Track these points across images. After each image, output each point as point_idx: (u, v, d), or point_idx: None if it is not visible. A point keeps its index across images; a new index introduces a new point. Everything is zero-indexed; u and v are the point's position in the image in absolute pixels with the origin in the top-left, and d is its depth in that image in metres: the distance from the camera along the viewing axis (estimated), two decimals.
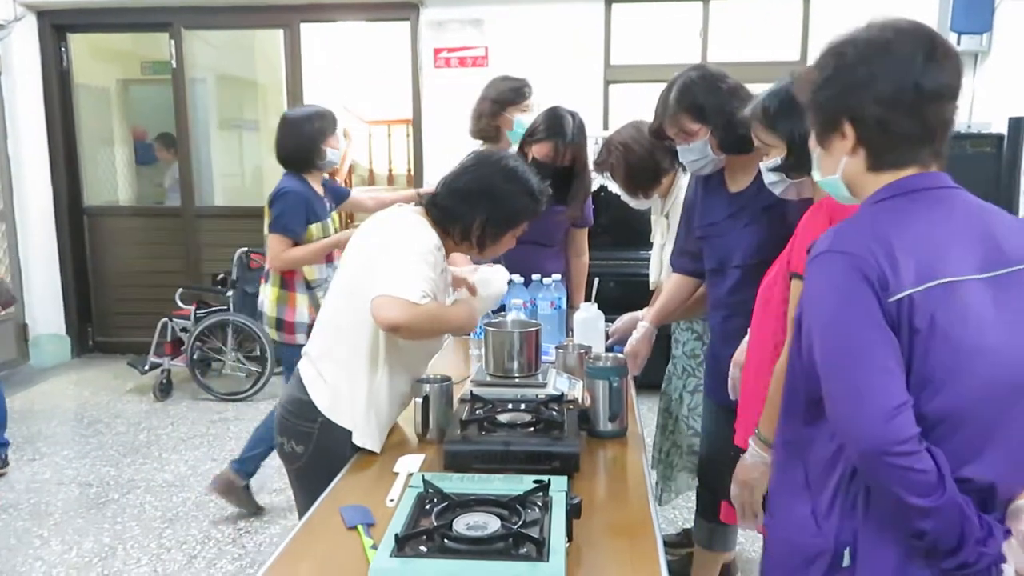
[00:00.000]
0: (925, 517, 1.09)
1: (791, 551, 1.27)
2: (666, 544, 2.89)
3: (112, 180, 6.40)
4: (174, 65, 5.62)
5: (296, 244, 3.04)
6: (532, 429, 1.75)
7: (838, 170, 1.26)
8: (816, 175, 1.33)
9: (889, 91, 1.17)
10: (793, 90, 1.32)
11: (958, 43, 4.69)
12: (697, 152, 2.09)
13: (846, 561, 1.18)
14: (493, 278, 2.17)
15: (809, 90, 1.28)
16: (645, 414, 3.75)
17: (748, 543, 2.99)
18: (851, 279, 1.12)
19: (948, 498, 1.08)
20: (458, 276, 2.15)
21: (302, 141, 3.15)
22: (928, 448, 1.10)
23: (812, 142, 1.32)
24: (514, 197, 1.91)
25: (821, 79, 1.25)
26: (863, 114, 1.19)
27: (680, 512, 3.28)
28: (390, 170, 9.14)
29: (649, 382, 2.81)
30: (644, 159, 2.49)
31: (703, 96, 2.04)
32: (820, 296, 1.18)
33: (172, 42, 5.58)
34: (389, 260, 1.77)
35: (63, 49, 5.69)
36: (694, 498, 2.62)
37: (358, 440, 1.83)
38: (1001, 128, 4.32)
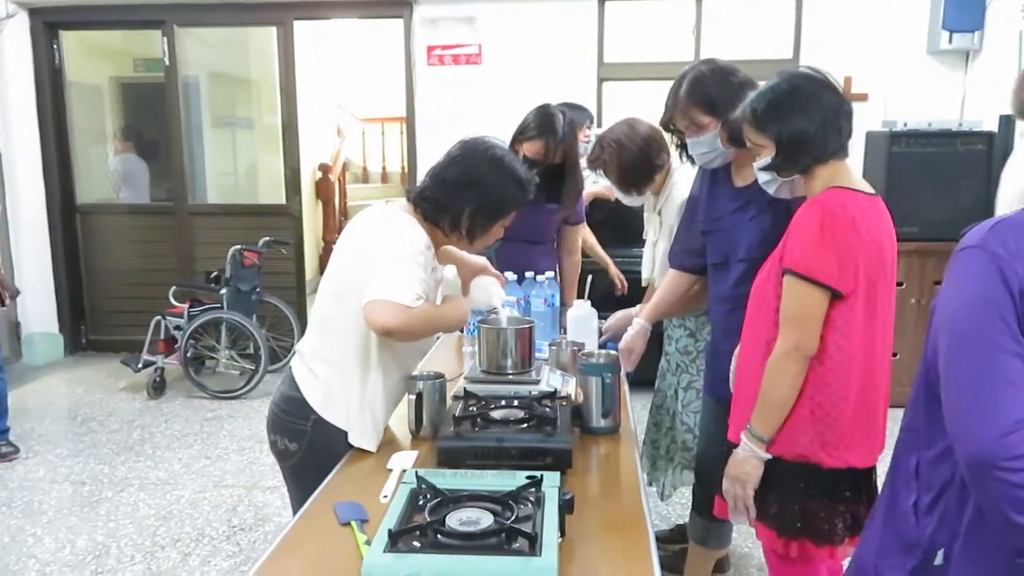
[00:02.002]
0: None
1: (889, 535, 1.25)
2: (659, 540, 2.92)
3: (105, 178, 6.38)
4: (167, 63, 5.61)
5: None
6: (525, 425, 1.76)
7: None
8: None
9: None
10: (1015, 92, 1.18)
11: (950, 41, 4.72)
12: (707, 145, 2.11)
13: (938, 560, 1.15)
14: (491, 289, 2.18)
15: None
16: (639, 411, 3.76)
17: (742, 538, 3.00)
18: (991, 281, 1.06)
19: None
20: (461, 261, 2.15)
21: None
22: None
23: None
24: (502, 186, 1.91)
25: None
26: None
27: (673, 508, 3.30)
28: (384, 168, 9.15)
29: (642, 379, 2.82)
30: (637, 156, 2.50)
31: (714, 89, 2.07)
32: (956, 292, 1.11)
33: (165, 39, 5.57)
34: (380, 263, 1.77)
35: (55, 47, 5.67)
36: (688, 494, 2.63)
37: (355, 441, 1.83)
38: (992, 126, 4.34)
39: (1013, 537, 1.05)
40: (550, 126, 2.80)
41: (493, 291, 2.18)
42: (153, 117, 5.95)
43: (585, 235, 3.64)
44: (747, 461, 1.78)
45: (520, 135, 2.84)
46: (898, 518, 1.23)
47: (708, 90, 2.08)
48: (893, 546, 1.23)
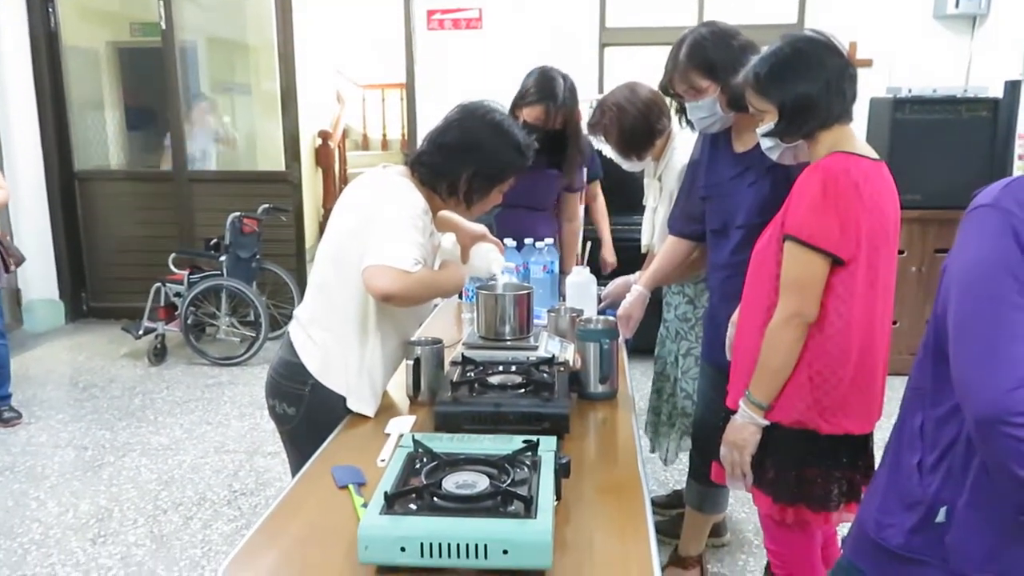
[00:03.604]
0: None
1: (891, 493, 1.25)
2: (656, 505, 2.95)
3: (103, 144, 6.34)
4: (164, 27, 5.54)
5: None
6: (523, 391, 1.76)
7: None
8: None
9: None
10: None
11: (956, 6, 4.65)
12: (706, 109, 2.08)
13: (940, 517, 1.16)
14: (490, 256, 2.17)
15: None
16: (638, 378, 3.78)
17: (738, 503, 3.03)
18: (1004, 238, 1.05)
19: None
20: (459, 226, 2.14)
21: None
22: None
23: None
24: (501, 151, 1.89)
25: None
26: None
27: (671, 474, 3.32)
28: (384, 134, 9.09)
29: (641, 346, 2.82)
30: (638, 120, 2.47)
31: (714, 53, 2.04)
32: (967, 249, 1.11)
33: (161, 3, 5.49)
34: (379, 227, 1.75)
35: (50, 10, 5.60)
36: (686, 459, 2.65)
37: (353, 406, 1.83)
38: (997, 92, 4.29)
39: (1018, 493, 1.06)
40: (550, 91, 2.76)
41: (492, 258, 2.17)
42: (150, 82, 5.90)
43: (595, 206, 3.61)
44: (745, 427, 1.79)
45: (520, 100, 2.80)
46: (901, 477, 1.23)
47: (707, 53, 2.05)
48: (894, 505, 1.23)
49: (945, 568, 1.16)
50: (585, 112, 2.90)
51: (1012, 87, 3.99)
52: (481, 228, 2.22)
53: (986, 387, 1.05)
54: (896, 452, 1.27)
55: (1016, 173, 3.67)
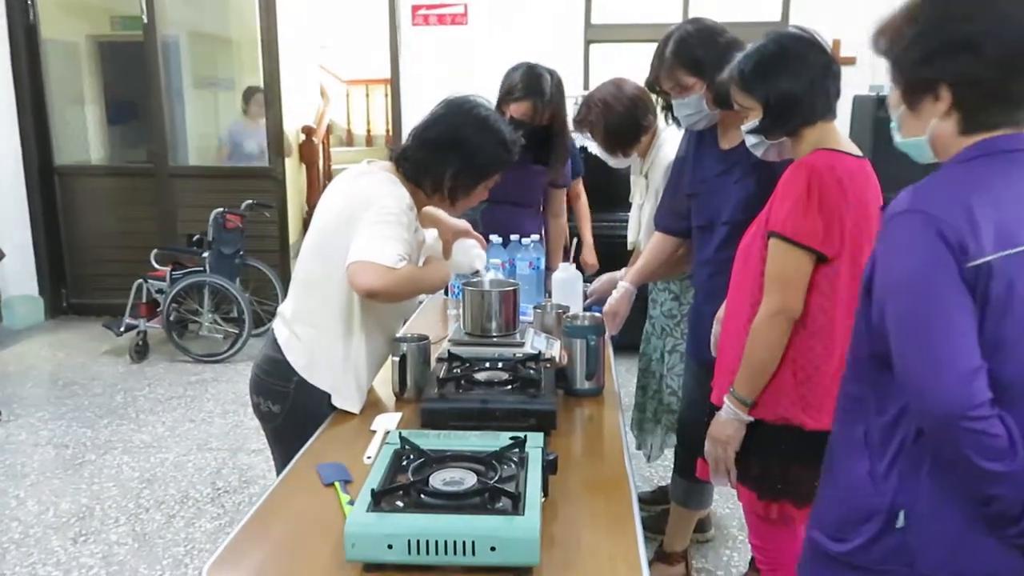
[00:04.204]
0: (997, 482, 1.06)
1: (845, 507, 1.25)
2: (642, 501, 2.95)
3: (83, 139, 6.26)
4: (145, 20, 5.48)
5: None
6: (509, 387, 1.76)
7: (926, 132, 1.17)
8: (897, 136, 1.25)
9: (1001, 53, 1.07)
10: (873, 37, 1.20)
11: None
12: (692, 106, 2.09)
13: (900, 523, 1.17)
14: (472, 252, 2.16)
15: (898, 45, 1.16)
16: (623, 374, 3.78)
17: (722, 499, 3.04)
18: (930, 240, 1.07)
19: (1019, 464, 1.06)
20: (441, 221, 2.13)
21: None
22: (999, 414, 1.07)
23: (894, 98, 1.22)
24: (486, 147, 1.88)
25: (913, 34, 1.14)
26: (967, 78, 1.10)
27: (656, 470, 3.33)
28: (368, 130, 9.04)
29: (627, 342, 2.83)
30: (624, 117, 2.47)
31: (700, 50, 2.04)
32: (896, 256, 1.12)
33: None
34: (363, 224, 1.74)
35: (29, 3, 5.52)
36: (671, 456, 2.66)
37: (338, 403, 1.82)
38: None
39: (983, 485, 1.08)
40: (537, 87, 2.76)
41: (475, 253, 2.16)
42: (132, 77, 5.83)
43: (578, 205, 3.57)
44: (729, 424, 1.79)
45: (507, 96, 2.79)
46: (851, 489, 1.23)
47: (694, 50, 2.05)
48: (849, 518, 1.23)
49: (911, 574, 1.16)
50: (570, 108, 2.90)
51: None
52: (464, 224, 2.21)
53: (939, 387, 1.07)
54: (839, 466, 1.27)
55: None
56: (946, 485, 1.13)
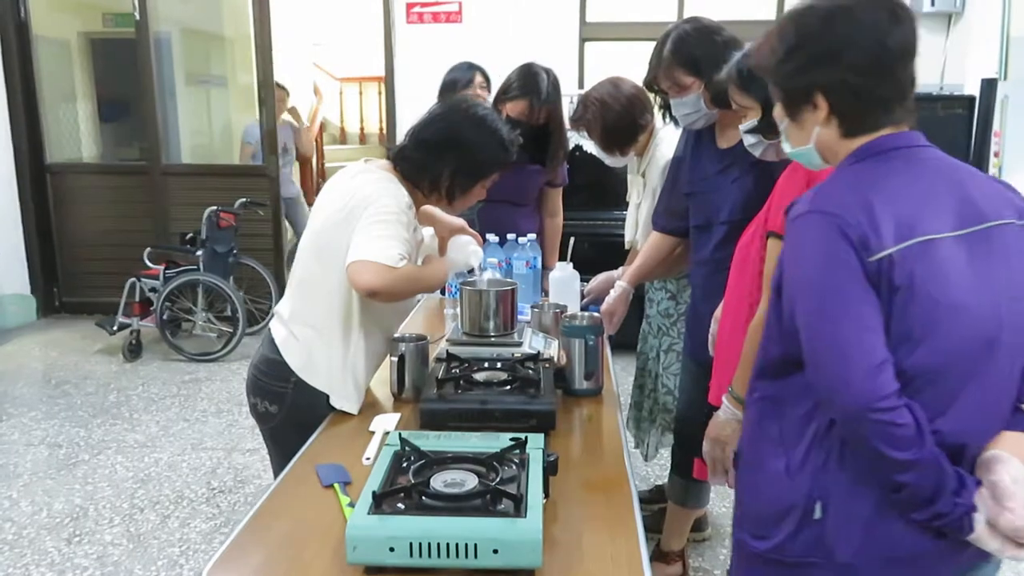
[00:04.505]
0: (905, 470, 1.11)
1: (764, 505, 1.28)
2: (639, 500, 2.95)
3: (75, 137, 6.22)
4: (137, 17, 5.45)
5: None
6: (508, 387, 1.75)
7: (811, 140, 1.25)
8: (786, 147, 1.32)
9: (862, 58, 1.16)
10: (753, 55, 1.30)
11: (932, 4, 4.69)
12: (690, 106, 2.08)
13: (817, 514, 1.21)
14: (468, 248, 2.15)
15: (772, 62, 1.26)
16: (619, 373, 3.78)
17: (719, 498, 3.04)
18: (833, 239, 1.13)
19: (927, 451, 1.11)
20: (437, 219, 2.12)
21: None
22: (906, 403, 1.11)
23: (778, 113, 1.30)
24: (483, 146, 1.87)
25: (784, 51, 1.23)
26: (837, 84, 1.18)
27: (652, 469, 3.33)
28: (362, 128, 9.02)
29: (623, 342, 2.83)
30: (621, 115, 2.46)
31: (698, 49, 2.04)
32: (802, 256, 1.18)
33: None
34: (363, 223, 1.73)
35: (20, 0, 5.49)
36: (668, 455, 2.66)
37: (336, 403, 1.82)
38: (972, 90, 4.34)
39: (893, 473, 1.12)
40: (534, 86, 2.75)
41: (470, 250, 2.16)
42: (124, 74, 5.80)
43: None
44: (727, 423, 1.79)
45: (503, 95, 2.79)
46: (770, 487, 1.27)
47: (692, 50, 2.05)
48: (769, 515, 1.26)
49: (831, 563, 1.20)
50: (565, 107, 2.89)
51: (989, 85, 4.04)
52: (459, 221, 2.20)
53: (847, 381, 1.11)
54: (756, 465, 1.31)
55: (992, 171, 3.72)
56: (857, 473, 1.17)
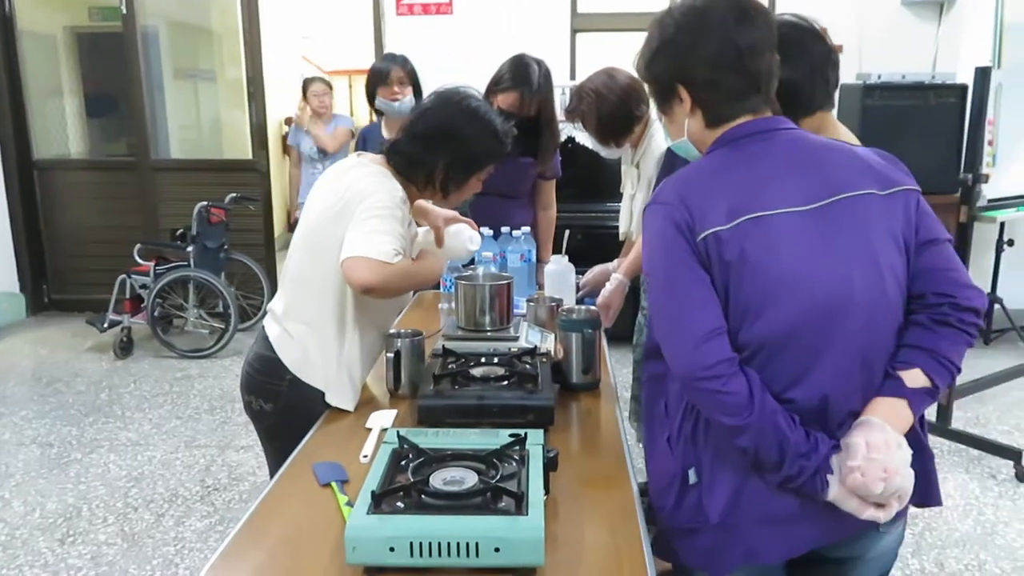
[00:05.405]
0: (739, 434, 1.20)
1: (658, 475, 1.38)
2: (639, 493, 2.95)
3: (62, 132, 6.16)
4: (124, 11, 5.39)
5: None
6: (506, 382, 1.73)
7: (684, 132, 1.36)
8: (668, 142, 1.45)
9: (711, 52, 1.27)
10: (635, 65, 1.43)
11: None
12: None
13: (692, 479, 1.31)
14: (463, 234, 2.13)
15: (643, 64, 1.38)
16: (613, 366, 3.77)
17: None
18: (664, 226, 1.25)
19: (757, 416, 1.18)
20: (429, 211, 2.10)
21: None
22: (744, 371, 1.20)
23: (655, 111, 1.43)
24: (477, 139, 1.85)
25: (650, 51, 1.35)
26: (693, 76, 1.30)
27: None
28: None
29: (619, 334, 2.81)
30: (617, 107, 2.44)
31: None
32: (646, 243, 1.30)
33: None
34: (357, 219, 1.71)
35: None
36: None
37: (332, 401, 1.79)
38: (964, 78, 4.33)
39: (733, 438, 1.21)
40: (525, 77, 2.73)
41: (467, 235, 2.14)
42: (111, 68, 5.74)
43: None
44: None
45: (494, 87, 2.77)
46: (659, 460, 1.38)
47: None
48: (661, 488, 1.36)
49: (708, 528, 1.29)
50: (556, 99, 2.87)
51: (982, 73, 4.03)
52: (451, 211, 2.18)
53: (678, 352, 1.23)
54: (650, 446, 1.42)
55: (985, 159, 3.72)
56: (720, 441, 1.26)
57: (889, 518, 1.22)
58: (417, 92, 3.32)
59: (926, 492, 1.31)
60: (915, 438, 1.26)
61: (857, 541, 1.33)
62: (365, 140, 3.36)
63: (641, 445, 2.83)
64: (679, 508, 1.32)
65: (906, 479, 1.19)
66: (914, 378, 1.24)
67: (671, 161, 2.27)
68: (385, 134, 3.28)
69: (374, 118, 3.64)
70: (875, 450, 1.17)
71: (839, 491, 1.20)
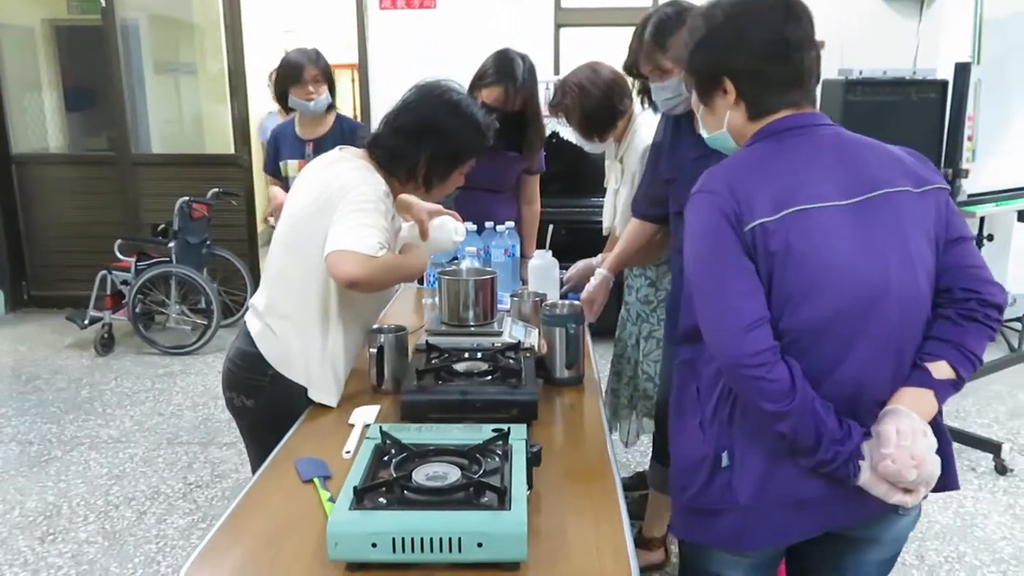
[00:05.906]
0: (780, 420, 1.22)
1: (684, 458, 1.40)
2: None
3: (41, 126, 6.09)
4: (103, 4, 5.33)
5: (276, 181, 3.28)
6: (489, 378, 1.73)
7: (724, 124, 1.38)
8: (704, 133, 1.45)
9: (760, 45, 1.30)
10: (672, 57, 1.49)
11: None
12: (671, 90, 2.07)
13: (724, 462, 1.33)
14: (448, 225, 2.13)
15: (686, 54, 1.39)
16: (597, 360, 3.78)
17: None
18: (712, 215, 1.27)
19: (799, 403, 1.21)
20: (412, 205, 2.09)
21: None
22: (785, 359, 1.23)
23: (694, 101, 1.43)
24: (459, 132, 1.85)
25: (695, 42, 1.36)
26: (740, 69, 1.32)
27: (633, 455, 3.33)
28: None
29: (603, 329, 2.82)
30: (600, 101, 2.44)
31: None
32: (691, 232, 1.32)
33: None
34: (341, 213, 1.70)
35: None
36: (649, 441, 2.66)
37: (315, 396, 1.78)
38: (944, 74, 4.36)
39: (772, 423, 1.24)
40: (509, 72, 2.72)
41: (451, 227, 2.13)
42: (90, 62, 5.68)
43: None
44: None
45: (479, 81, 2.76)
46: (689, 442, 1.39)
47: (673, 33, 2.03)
48: (687, 468, 1.38)
49: (737, 507, 1.31)
50: (541, 93, 2.86)
51: (962, 69, 4.06)
52: (435, 205, 2.17)
53: (723, 339, 1.25)
54: (678, 428, 1.44)
55: (965, 154, 3.75)
56: (754, 425, 1.29)
57: (916, 503, 1.27)
58: (331, 89, 3.31)
59: (946, 476, 1.33)
60: (936, 425, 1.30)
61: (877, 522, 1.36)
62: (277, 140, 3.37)
63: (618, 439, 2.86)
64: (708, 489, 1.34)
65: (934, 466, 1.23)
66: (941, 370, 1.28)
67: (655, 157, 2.27)
68: (299, 133, 3.29)
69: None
70: (905, 438, 1.21)
71: (870, 477, 1.24)
